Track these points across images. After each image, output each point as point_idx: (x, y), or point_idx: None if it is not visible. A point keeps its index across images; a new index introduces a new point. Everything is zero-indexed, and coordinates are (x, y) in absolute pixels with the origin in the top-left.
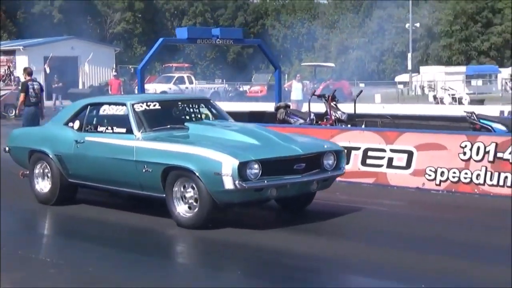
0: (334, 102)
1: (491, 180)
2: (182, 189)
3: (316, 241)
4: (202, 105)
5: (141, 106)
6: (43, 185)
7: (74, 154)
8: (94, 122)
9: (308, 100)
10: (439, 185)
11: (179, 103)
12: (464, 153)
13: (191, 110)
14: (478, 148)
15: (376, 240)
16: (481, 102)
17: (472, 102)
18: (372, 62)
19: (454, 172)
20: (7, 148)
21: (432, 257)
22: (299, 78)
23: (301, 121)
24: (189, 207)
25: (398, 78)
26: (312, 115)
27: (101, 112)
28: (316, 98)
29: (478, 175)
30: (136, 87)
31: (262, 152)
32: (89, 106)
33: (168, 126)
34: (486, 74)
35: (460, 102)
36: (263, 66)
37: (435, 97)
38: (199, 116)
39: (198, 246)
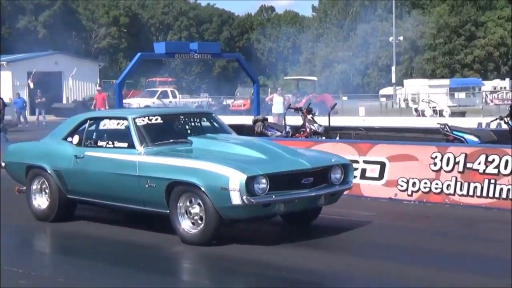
0: (311, 115)
1: (461, 190)
2: (187, 204)
3: (321, 256)
4: (204, 119)
5: (143, 120)
6: (41, 201)
7: (74, 170)
8: (94, 137)
9: (283, 114)
10: (411, 195)
11: (181, 117)
12: (435, 164)
13: (193, 124)
14: (448, 159)
15: (369, 253)
16: (462, 114)
17: (454, 114)
18: (357, 76)
19: (426, 183)
20: (3, 164)
21: (433, 269)
22: (280, 91)
23: (278, 133)
24: (194, 223)
25: (383, 91)
26: (287, 127)
27: (101, 127)
28: (293, 111)
29: (449, 185)
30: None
31: (270, 167)
32: (88, 121)
33: (171, 140)
34: (469, 87)
35: (441, 115)
36: (248, 80)
37: (416, 110)
38: (201, 130)
39: (203, 263)
